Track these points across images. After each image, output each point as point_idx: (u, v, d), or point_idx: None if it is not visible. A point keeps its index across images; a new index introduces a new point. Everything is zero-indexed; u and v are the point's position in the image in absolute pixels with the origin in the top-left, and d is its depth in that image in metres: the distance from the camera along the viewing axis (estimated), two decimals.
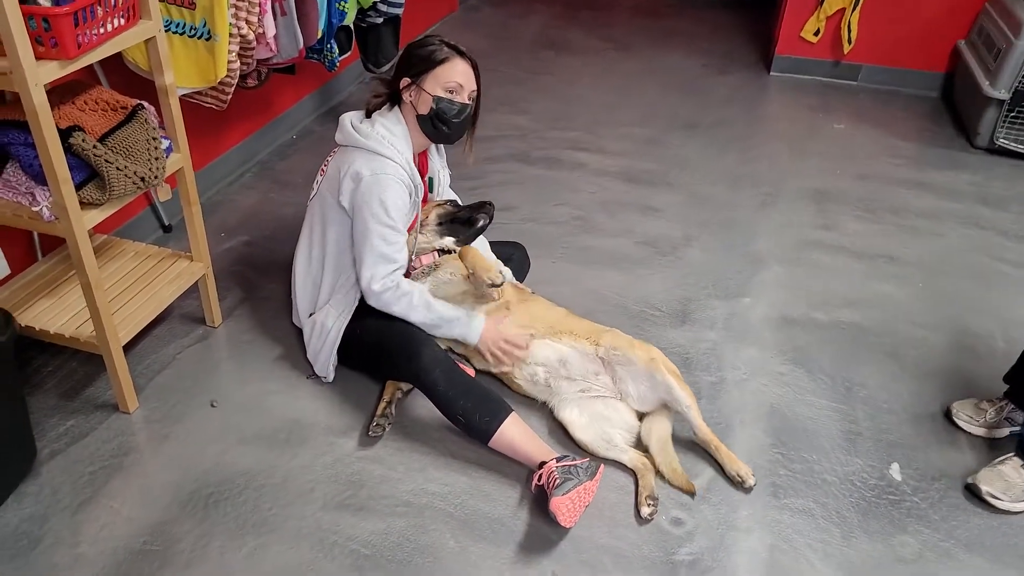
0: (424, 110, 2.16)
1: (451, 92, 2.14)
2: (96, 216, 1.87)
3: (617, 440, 2.06)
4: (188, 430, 2.11)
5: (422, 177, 2.30)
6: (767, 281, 2.88)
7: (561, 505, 1.77)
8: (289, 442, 2.09)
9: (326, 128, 3.96)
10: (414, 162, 2.21)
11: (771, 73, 4.89)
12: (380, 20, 3.42)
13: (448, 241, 2.30)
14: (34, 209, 1.80)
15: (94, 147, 1.81)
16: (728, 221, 3.26)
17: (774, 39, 4.93)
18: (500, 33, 5.43)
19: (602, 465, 1.96)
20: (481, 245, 2.43)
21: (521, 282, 2.67)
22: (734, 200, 3.43)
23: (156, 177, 1.96)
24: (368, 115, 2.20)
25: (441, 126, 2.17)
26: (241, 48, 2.45)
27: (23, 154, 1.80)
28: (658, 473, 2.00)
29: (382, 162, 2.08)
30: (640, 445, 2.09)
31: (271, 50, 2.60)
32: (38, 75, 1.61)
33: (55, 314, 2.11)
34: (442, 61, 2.14)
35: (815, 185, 3.58)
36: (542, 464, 1.90)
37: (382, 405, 2.13)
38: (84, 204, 1.83)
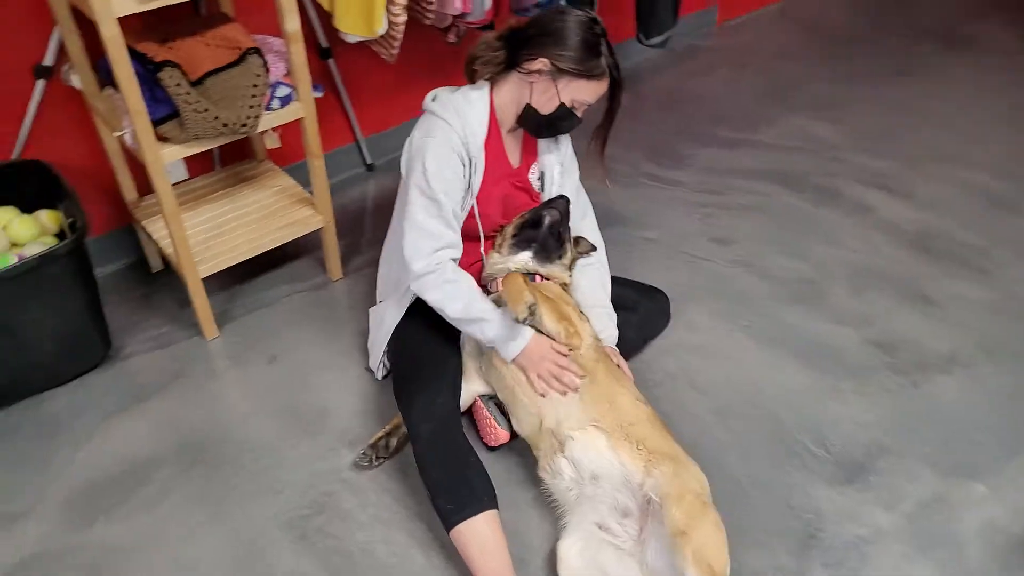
0: (542, 106, 1.74)
1: (576, 107, 1.74)
2: (177, 151, 1.87)
3: None
4: (237, 378, 2.11)
5: (520, 167, 1.92)
6: None
7: None
8: (303, 430, 1.96)
9: None
10: (502, 143, 1.85)
11: None
12: None
13: (523, 258, 1.85)
14: (115, 134, 1.86)
15: (177, 85, 1.78)
16: None
17: None
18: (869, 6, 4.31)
19: None
20: (589, 281, 1.93)
21: (646, 343, 2.12)
22: None
23: (244, 125, 1.89)
24: (472, 81, 1.83)
25: (544, 129, 1.80)
26: (415, 1, 2.22)
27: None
28: None
29: (436, 123, 1.74)
30: None
31: (461, 7, 2.32)
32: (111, 8, 1.60)
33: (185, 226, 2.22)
34: (595, 76, 1.72)
35: None
36: None
37: (380, 434, 1.86)
38: (164, 138, 1.84)
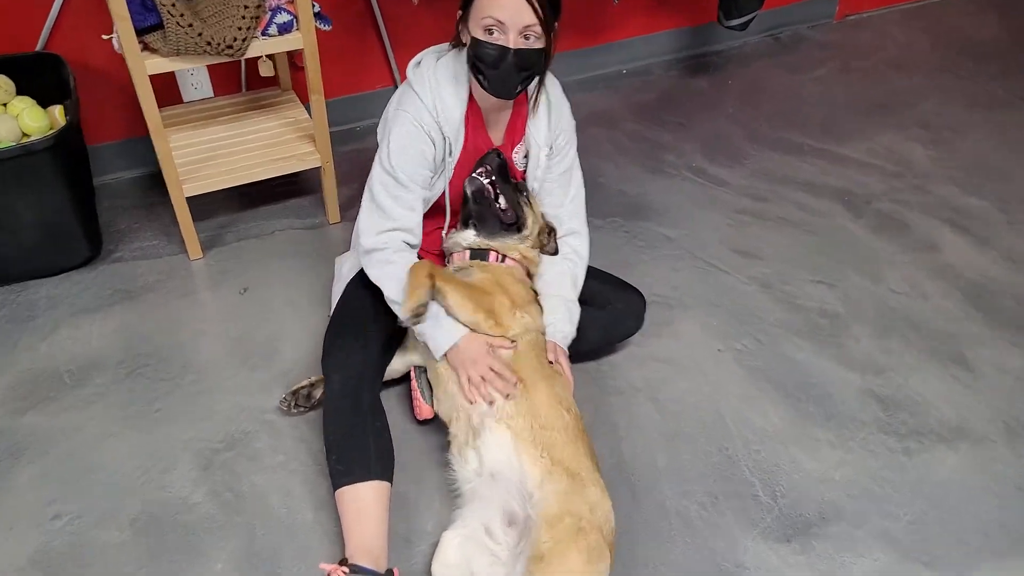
0: (469, 56, 1.59)
1: (489, 32, 1.53)
2: (161, 64, 1.86)
3: None
4: (205, 301, 2.13)
5: (503, 147, 1.76)
6: None
7: None
8: (246, 363, 1.95)
9: (672, 74, 3.34)
10: (481, 119, 1.70)
11: None
12: None
13: (468, 235, 1.73)
14: (104, 37, 1.87)
15: None
16: None
17: None
18: None
19: None
20: (557, 272, 1.78)
21: (609, 345, 1.96)
22: None
23: (230, 47, 1.85)
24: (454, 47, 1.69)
25: (479, 76, 1.60)
26: None
27: None
28: None
29: (409, 97, 1.63)
30: None
31: None
32: None
33: (183, 144, 2.24)
34: None
35: None
36: (342, 562, 1.42)
37: (304, 383, 1.81)
38: (151, 49, 1.84)
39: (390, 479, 1.56)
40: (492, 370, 1.55)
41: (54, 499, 1.63)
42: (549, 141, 1.77)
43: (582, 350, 1.84)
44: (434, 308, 1.60)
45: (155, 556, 1.54)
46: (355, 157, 2.67)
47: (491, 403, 1.54)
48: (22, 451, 1.72)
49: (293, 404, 1.79)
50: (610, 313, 1.89)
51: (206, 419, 1.81)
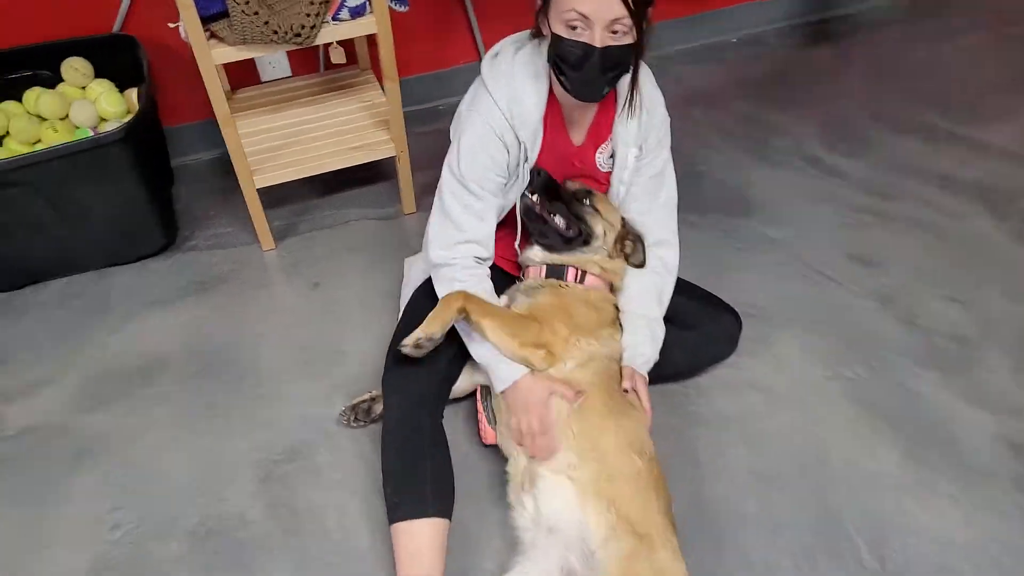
0: (550, 54, 1.40)
1: (571, 28, 1.32)
2: (228, 53, 1.77)
3: None
4: (273, 297, 2.07)
5: (584, 147, 1.57)
6: None
7: None
8: (310, 369, 1.87)
9: (788, 43, 3.00)
10: (561, 117, 1.52)
11: None
12: None
13: (536, 253, 1.58)
14: (170, 25, 1.78)
15: None
16: None
17: None
18: None
19: None
20: (640, 286, 1.58)
21: (696, 371, 1.77)
22: None
23: (297, 35, 1.73)
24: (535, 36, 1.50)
25: (561, 77, 1.41)
26: None
27: None
28: None
29: (482, 97, 1.47)
30: None
31: None
32: None
33: (255, 131, 2.16)
34: None
35: None
36: None
37: (365, 396, 1.72)
38: (217, 37, 1.74)
39: (449, 515, 1.45)
40: (543, 423, 1.40)
41: (114, 507, 1.61)
42: (638, 141, 1.56)
43: (665, 373, 1.66)
44: None
45: (210, 572, 1.50)
46: (436, 138, 2.50)
47: (531, 457, 1.40)
48: (86, 453, 1.71)
49: (353, 418, 1.71)
50: (700, 334, 1.70)
51: (267, 428, 1.75)
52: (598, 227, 1.55)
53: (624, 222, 1.61)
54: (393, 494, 1.44)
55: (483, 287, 1.50)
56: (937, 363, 1.83)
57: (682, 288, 1.67)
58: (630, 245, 1.61)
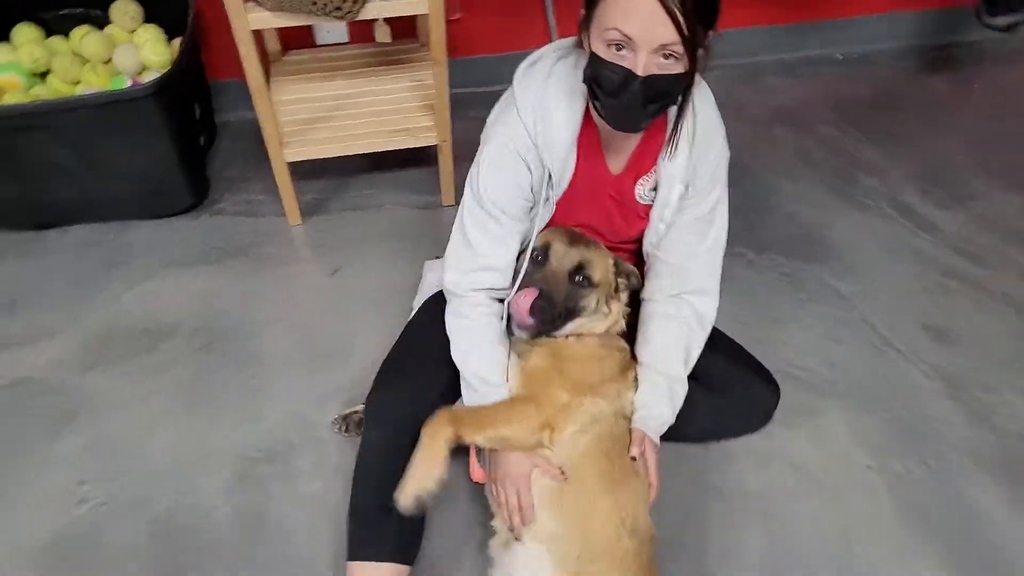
0: (586, 74, 1.19)
1: (615, 48, 1.11)
2: (265, 19, 1.65)
3: None
4: (291, 277, 1.97)
5: (623, 176, 1.37)
6: None
7: None
8: (313, 363, 1.78)
9: (900, 67, 2.70)
10: (598, 142, 1.33)
11: None
12: None
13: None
14: None
15: None
16: None
17: None
18: None
19: None
20: (664, 339, 1.38)
21: (719, 439, 1.58)
22: None
23: (339, 8, 1.59)
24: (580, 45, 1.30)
25: (596, 102, 1.21)
26: None
27: None
28: None
29: (509, 111, 1.29)
30: None
31: None
32: None
33: (296, 99, 2.05)
34: None
35: None
36: None
37: (357, 408, 1.61)
38: (256, 0, 1.62)
39: (410, 562, 1.33)
40: (520, 497, 1.26)
41: (85, 480, 1.56)
42: (686, 179, 1.34)
43: (683, 434, 1.47)
44: (494, 390, 1.31)
45: (159, 568, 1.43)
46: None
47: (509, 530, 1.25)
48: (71, 416, 1.66)
49: (344, 428, 1.61)
50: (729, 400, 1.50)
51: (256, 421, 1.67)
52: (591, 302, 1.36)
53: (616, 263, 1.42)
54: (357, 530, 1.33)
55: (488, 339, 1.34)
56: (1007, 473, 1.59)
57: (715, 340, 1.46)
58: (623, 283, 1.43)
